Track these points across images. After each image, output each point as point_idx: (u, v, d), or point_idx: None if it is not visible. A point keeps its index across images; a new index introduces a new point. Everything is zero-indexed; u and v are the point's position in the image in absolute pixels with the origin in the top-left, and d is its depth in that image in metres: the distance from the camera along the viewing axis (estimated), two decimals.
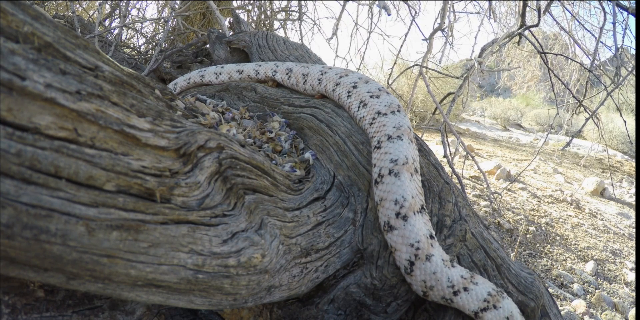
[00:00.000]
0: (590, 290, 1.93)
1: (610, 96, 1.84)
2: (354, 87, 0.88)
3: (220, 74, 1.21)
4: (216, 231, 0.53)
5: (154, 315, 0.67)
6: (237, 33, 1.79)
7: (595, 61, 2.05)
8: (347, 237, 0.77)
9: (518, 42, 2.06)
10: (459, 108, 5.82)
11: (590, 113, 1.87)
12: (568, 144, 1.79)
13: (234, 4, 3.17)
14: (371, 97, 0.85)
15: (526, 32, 1.92)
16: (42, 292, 0.53)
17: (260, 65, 1.15)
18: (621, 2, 1.85)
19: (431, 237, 0.71)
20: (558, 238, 2.40)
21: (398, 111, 0.82)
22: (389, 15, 1.13)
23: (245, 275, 0.56)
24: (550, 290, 1.83)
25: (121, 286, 0.45)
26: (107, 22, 2.79)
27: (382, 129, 0.79)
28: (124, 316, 0.60)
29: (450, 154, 1.63)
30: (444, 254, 0.72)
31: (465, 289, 0.68)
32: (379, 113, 0.82)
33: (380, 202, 0.74)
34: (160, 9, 3.22)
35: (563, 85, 2.14)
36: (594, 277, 2.08)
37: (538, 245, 2.26)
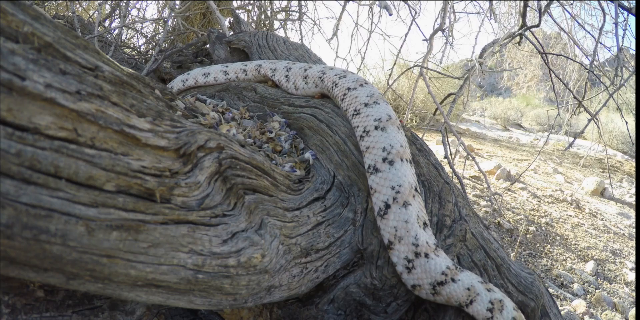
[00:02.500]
0: (590, 290, 1.93)
1: (612, 98, 1.84)
2: (323, 73, 0.95)
3: (186, 80, 1.24)
4: (216, 231, 0.53)
5: (154, 315, 0.67)
6: (237, 33, 1.79)
7: (595, 62, 2.05)
8: (347, 237, 0.77)
9: (519, 43, 2.07)
10: (459, 108, 5.82)
11: (592, 115, 1.87)
12: (570, 145, 1.79)
13: (234, 4, 3.17)
14: (340, 78, 0.91)
15: (527, 33, 1.92)
16: (42, 292, 0.53)
17: (227, 66, 1.19)
18: (622, 2, 1.85)
19: (416, 190, 0.72)
20: (558, 238, 2.40)
21: (365, 84, 0.87)
22: (390, 15, 1.14)
23: (245, 275, 0.56)
24: (550, 290, 1.83)
25: (121, 286, 0.45)
26: (107, 22, 2.79)
27: (356, 100, 0.83)
28: (124, 316, 0.60)
29: (451, 154, 1.63)
30: (422, 211, 0.72)
31: (427, 256, 0.68)
32: (349, 89, 0.87)
33: (367, 150, 0.75)
34: (160, 9, 3.22)
35: (563, 85, 2.14)
36: (594, 277, 2.08)
37: (538, 245, 2.26)
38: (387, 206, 0.71)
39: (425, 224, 0.72)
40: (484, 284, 0.69)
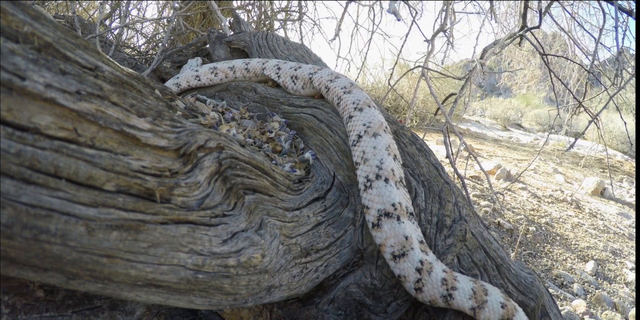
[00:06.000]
0: (590, 290, 1.93)
1: (612, 100, 1.84)
2: (295, 70, 1.06)
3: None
4: (216, 231, 0.53)
5: (154, 315, 0.67)
6: (237, 33, 1.79)
7: (595, 61, 2.05)
8: (347, 237, 0.77)
9: (519, 43, 2.07)
10: (460, 108, 5.82)
11: (592, 116, 1.86)
12: (570, 146, 1.79)
13: (234, 4, 3.17)
14: (295, 70, 1.05)
15: (527, 34, 1.92)
16: (42, 292, 0.53)
17: (178, 77, 1.22)
18: (621, 4, 1.85)
19: (386, 127, 0.83)
20: (558, 238, 2.40)
21: (321, 69, 1.01)
22: (398, 20, 1.16)
23: (245, 275, 0.56)
24: (550, 290, 1.83)
25: (121, 286, 0.45)
26: (107, 22, 2.79)
27: (322, 78, 0.98)
28: (123, 316, 0.60)
29: (452, 154, 1.62)
30: (394, 146, 0.79)
31: (386, 181, 0.73)
32: (310, 73, 1.01)
33: (342, 109, 0.91)
34: (160, 9, 3.22)
35: (563, 86, 2.14)
36: (594, 277, 2.08)
37: (538, 245, 2.26)
38: (359, 137, 0.79)
39: (395, 156, 0.77)
40: (422, 244, 0.69)
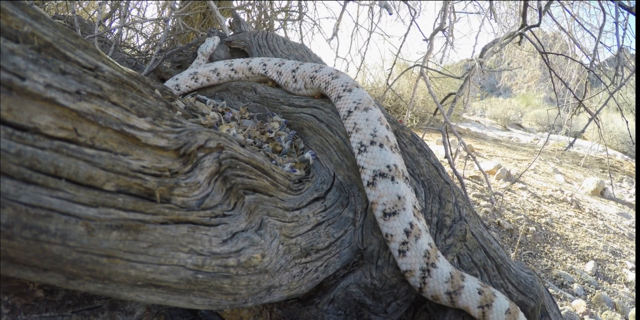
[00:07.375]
0: (590, 290, 1.93)
1: (613, 97, 1.83)
2: (279, 65, 1.10)
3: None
4: (216, 231, 0.53)
5: (153, 315, 0.67)
6: (237, 33, 1.78)
7: (595, 61, 2.05)
8: (347, 237, 0.77)
9: (519, 42, 2.07)
10: (460, 108, 5.82)
11: (592, 114, 1.86)
12: (570, 145, 1.78)
13: (234, 4, 3.17)
14: (279, 65, 1.09)
15: (527, 32, 1.92)
16: (42, 292, 0.53)
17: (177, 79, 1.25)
18: (623, 2, 1.85)
19: (376, 103, 0.86)
20: (558, 238, 2.40)
21: (302, 64, 1.06)
22: (390, 14, 1.16)
23: (245, 275, 0.56)
24: (550, 290, 1.83)
25: (121, 286, 0.45)
26: (107, 22, 2.79)
27: (305, 72, 1.02)
28: (123, 316, 0.60)
29: (452, 154, 1.62)
30: (384, 118, 0.82)
31: (381, 146, 0.75)
32: (293, 70, 1.06)
33: (330, 92, 0.94)
34: (160, 9, 3.22)
35: (563, 85, 2.14)
36: (594, 277, 2.08)
37: (538, 245, 2.26)
38: (350, 112, 0.83)
39: (388, 127, 0.80)
40: (416, 209, 0.71)
